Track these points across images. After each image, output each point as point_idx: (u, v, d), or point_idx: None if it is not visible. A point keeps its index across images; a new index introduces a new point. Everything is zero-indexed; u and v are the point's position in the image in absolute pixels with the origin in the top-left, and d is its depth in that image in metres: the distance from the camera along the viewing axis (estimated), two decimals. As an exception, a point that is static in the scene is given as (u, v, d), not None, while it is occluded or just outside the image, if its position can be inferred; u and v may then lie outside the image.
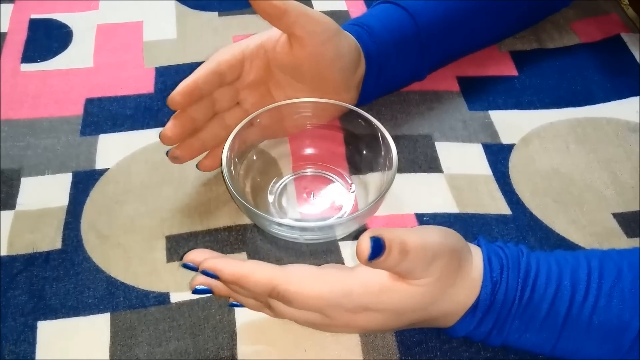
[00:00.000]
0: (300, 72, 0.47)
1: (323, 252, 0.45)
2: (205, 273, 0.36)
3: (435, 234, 0.36)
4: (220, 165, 0.44)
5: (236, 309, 0.42)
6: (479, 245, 0.39)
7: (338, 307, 0.35)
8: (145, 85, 0.58)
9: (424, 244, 0.34)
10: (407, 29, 0.51)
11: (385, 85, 0.53)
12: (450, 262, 0.36)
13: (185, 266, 0.38)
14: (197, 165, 0.48)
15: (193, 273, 0.44)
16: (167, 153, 0.47)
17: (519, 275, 0.37)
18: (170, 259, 0.45)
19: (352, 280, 0.35)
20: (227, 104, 0.47)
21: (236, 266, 0.36)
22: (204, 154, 0.48)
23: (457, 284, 0.37)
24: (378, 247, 0.32)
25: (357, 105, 0.48)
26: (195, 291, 0.39)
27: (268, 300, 0.37)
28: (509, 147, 0.53)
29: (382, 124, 0.46)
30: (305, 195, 0.49)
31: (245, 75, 0.47)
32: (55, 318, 0.42)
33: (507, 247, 0.39)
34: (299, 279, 0.35)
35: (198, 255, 0.38)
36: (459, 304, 0.37)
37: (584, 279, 0.37)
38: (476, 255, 0.38)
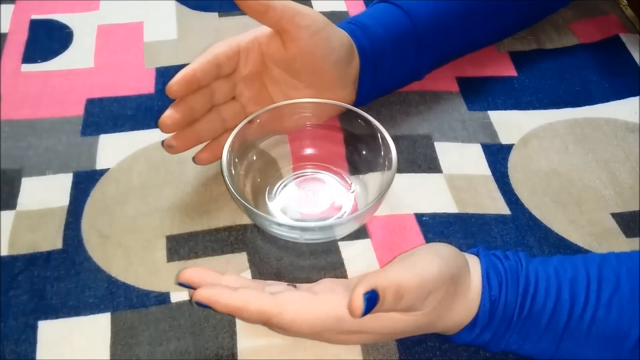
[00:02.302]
0: (294, 67, 0.48)
1: (323, 252, 0.45)
2: (199, 304, 0.36)
3: (434, 267, 0.35)
4: (221, 165, 0.44)
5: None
6: (477, 255, 0.39)
7: (331, 331, 0.36)
8: (146, 85, 0.58)
9: (421, 283, 0.34)
10: (403, 26, 0.52)
11: (383, 84, 0.53)
12: (447, 291, 0.36)
13: (182, 285, 0.38)
14: (193, 159, 0.48)
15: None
16: (162, 143, 0.46)
17: (518, 292, 0.37)
18: (170, 258, 0.45)
19: (343, 308, 0.35)
20: (224, 97, 0.48)
21: (230, 298, 0.35)
22: (201, 146, 0.48)
23: (453, 307, 0.37)
24: (372, 302, 0.33)
25: (356, 106, 0.49)
26: (197, 304, 0.37)
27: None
28: (508, 147, 0.53)
29: (382, 124, 0.47)
30: (305, 195, 0.49)
31: (242, 68, 0.47)
32: (56, 318, 0.42)
33: (505, 258, 0.39)
34: (292, 308, 0.35)
35: (194, 276, 0.37)
36: (455, 323, 0.38)
37: (583, 290, 0.37)
38: (474, 270, 0.38)
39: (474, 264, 0.39)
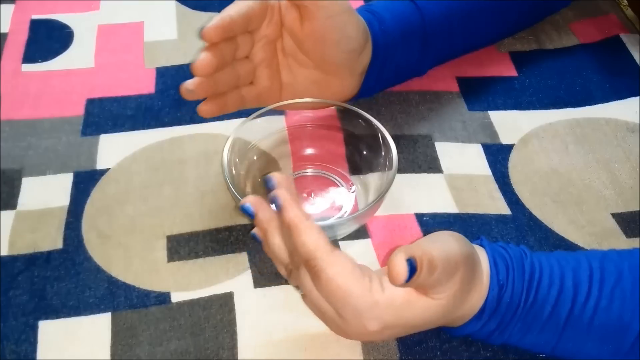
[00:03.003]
0: (305, 46, 0.47)
1: (323, 252, 0.45)
2: (274, 197, 0.36)
3: (454, 244, 0.35)
4: (221, 165, 0.44)
5: (236, 308, 0.42)
6: (481, 246, 0.39)
7: (358, 314, 0.35)
8: (146, 85, 0.58)
9: (448, 256, 0.34)
10: (413, 23, 0.52)
11: (386, 79, 0.53)
12: (466, 271, 0.36)
13: (266, 180, 0.38)
14: (197, 110, 0.47)
15: (193, 273, 0.44)
16: (179, 86, 0.45)
17: (524, 278, 0.37)
18: (171, 258, 0.45)
19: (381, 294, 0.35)
20: (244, 53, 0.47)
21: (299, 216, 0.35)
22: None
23: (470, 292, 0.37)
24: (413, 270, 0.32)
25: (357, 98, 0.48)
26: (242, 207, 0.38)
27: (299, 265, 0.36)
28: (509, 148, 0.53)
29: (382, 124, 0.47)
30: (305, 195, 0.49)
31: (263, 28, 0.47)
32: (57, 318, 0.42)
33: (509, 247, 0.39)
34: (340, 267, 0.34)
35: (281, 179, 0.37)
36: (471, 308, 0.37)
37: (586, 279, 0.37)
38: (482, 258, 0.38)
39: (481, 252, 0.39)
